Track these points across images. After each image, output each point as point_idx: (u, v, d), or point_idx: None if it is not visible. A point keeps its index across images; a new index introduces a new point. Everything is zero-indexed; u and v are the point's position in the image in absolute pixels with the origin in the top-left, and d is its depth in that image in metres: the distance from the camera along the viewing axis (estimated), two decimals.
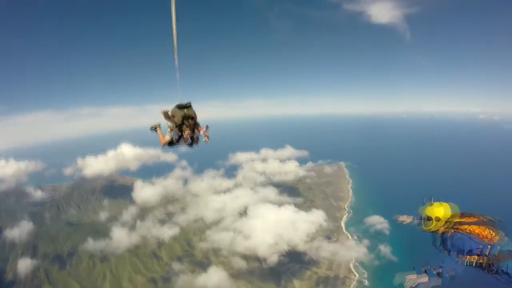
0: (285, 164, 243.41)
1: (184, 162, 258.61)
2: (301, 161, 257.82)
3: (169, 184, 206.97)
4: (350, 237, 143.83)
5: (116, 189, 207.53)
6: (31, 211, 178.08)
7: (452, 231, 8.53)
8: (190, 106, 11.34)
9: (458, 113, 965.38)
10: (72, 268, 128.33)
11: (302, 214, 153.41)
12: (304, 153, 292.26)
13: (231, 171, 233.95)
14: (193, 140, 11.63)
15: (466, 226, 8.33)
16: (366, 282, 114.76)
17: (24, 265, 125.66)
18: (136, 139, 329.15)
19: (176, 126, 11.17)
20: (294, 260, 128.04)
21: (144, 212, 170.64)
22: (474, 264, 7.77)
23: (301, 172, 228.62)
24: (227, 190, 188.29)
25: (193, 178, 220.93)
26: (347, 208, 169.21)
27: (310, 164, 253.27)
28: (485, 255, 7.72)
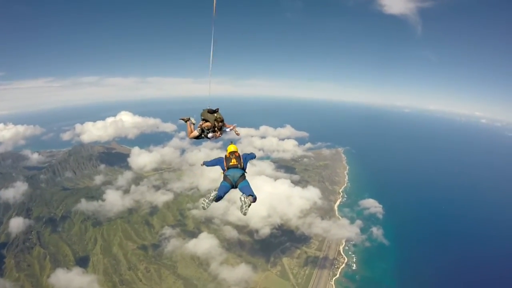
0: (283, 142, 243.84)
1: (182, 133, 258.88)
2: (300, 141, 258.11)
3: (166, 152, 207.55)
4: (343, 216, 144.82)
5: (113, 156, 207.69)
6: (26, 174, 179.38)
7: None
8: (218, 110, 13.58)
9: (460, 114, 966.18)
10: (64, 232, 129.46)
11: (298, 190, 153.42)
12: (304, 134, 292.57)
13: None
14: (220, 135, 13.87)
15: None
16: (354, 266, 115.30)
17: (16, 225, 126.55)
18: (136, 109, 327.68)
19: (211, 128, 13.44)
20: (285, 234, 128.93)
21: (139, 178, 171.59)
22: None
23: (299, 151, 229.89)
24: None
25: (190, 148, 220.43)
26: (341, 193, 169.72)
27: (309, 145, 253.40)
28: None
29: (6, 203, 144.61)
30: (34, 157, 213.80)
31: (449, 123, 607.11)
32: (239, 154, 11.95)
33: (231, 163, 11.55)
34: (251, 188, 11.00)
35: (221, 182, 11.30)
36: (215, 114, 13.38)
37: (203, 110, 13.75)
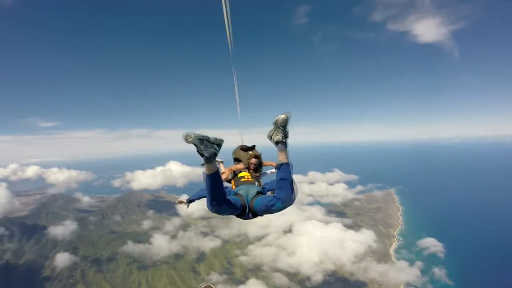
0: (333, 187, 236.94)
1: None
2: (350, 184, 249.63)
3: None
4: (400, 259, 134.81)
5: (161, 203, 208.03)
6: (77, 215, 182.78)
7: None
8: (254, 147, 10.43)
9: None
10: (109, 273, 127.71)
11: (351, 233, 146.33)
12: (353, 177, 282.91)
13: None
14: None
15: None
16: None
17: (62, 260, 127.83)
18: (185, 159, 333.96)
19: (245, 168, 9.92)
20: (339, 280, 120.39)
21: (187, 224, 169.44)
22: None
23: (350, 195, 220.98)
24: None
25: None
26: (396, 236, 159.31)
27: (359, 188, 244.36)
28: None
29: (54, 240, 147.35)
30: (85, 200, 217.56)
31: (504, 147, 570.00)
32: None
33: (242, 180, 8.60)
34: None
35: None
36: (250, 152, 10.14)
37: (236, 148, 10.67)
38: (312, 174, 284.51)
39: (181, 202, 10.03)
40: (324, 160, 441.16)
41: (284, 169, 6.49)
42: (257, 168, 9.81)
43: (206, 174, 5.96)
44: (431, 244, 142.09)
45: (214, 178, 5.99)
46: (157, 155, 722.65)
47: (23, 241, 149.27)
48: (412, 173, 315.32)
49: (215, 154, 5.74)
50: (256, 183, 8.52)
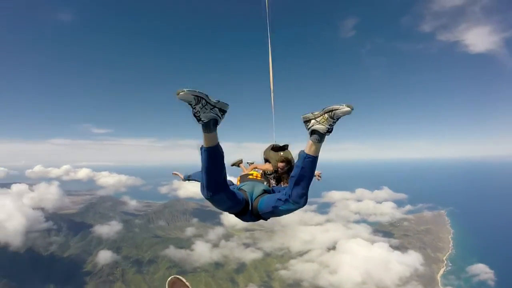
0: (381, 205, 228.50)
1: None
2: (399, 203, 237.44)
3: None
4: (448, 285, 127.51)
5: (206, 213, 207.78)
6: (123, 217, 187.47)
7: None
8: (287, 148, 8.81)
9: None
10: (148, 275, 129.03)
11: (397, 255, 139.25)
12: (402, 196, 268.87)
13: (323, 208, 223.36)
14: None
15: None
16: None
17: (104, 257, 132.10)
18: (233, 170, 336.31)
19: (272, 173, 8.48)
20: None
21: (230, 234, 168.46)
22: None
23: (398, 214, 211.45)
24: (317, 224, 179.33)
25: None
26: (445, 261, 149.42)
27: (408, 207, 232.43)
28: None
29: (99, 238, 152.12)
30: (132, 204, 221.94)
31: None
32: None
33: (250, 177, 7.11)
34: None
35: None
36: (281, 154, 8.59)
37: (267, 147, 9.22)
38: (360, 191, 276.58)
39: (176, 174, 9.58)
40: (373, 178, 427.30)
41: (309, 163, 4.71)
42: (286, 173, 8.34)
43: (203, 148, 4.35)
44: (482, 270, 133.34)
45: (212, 154, 4.40)
46: None
47: (69, 236, 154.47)
48: (465, 193, 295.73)
49: (216, 122, 4.17)
50: (265, 182, 6.92)
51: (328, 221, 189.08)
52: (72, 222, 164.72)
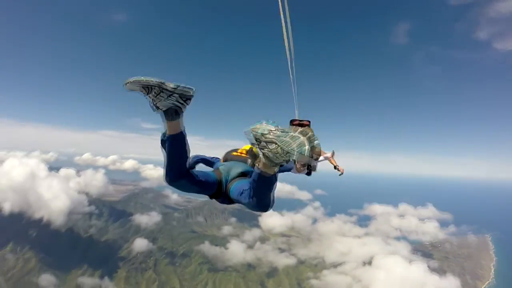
0: (423, 223, 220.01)
1: (317, 203, 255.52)
2: (443, 223, 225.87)
3: (298, 219, 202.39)
4: None
5: (245, 214, 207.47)
6: (163, 210, 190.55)
7: None
8: (309, 124, 6.38)
9: None
10: (180, 267, 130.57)
11: (434, 278, 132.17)
12: (447, 215, 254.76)
13: (364, 221, 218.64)
14: (310, 169, 6.88)
15: None
16: None
17: (139, 245, 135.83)
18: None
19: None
20: None
21: (266, 237, 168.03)
22: None
23: (441, 235, 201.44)
24: (356, 237, 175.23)
25: (323, 219, 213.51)
26: None
27: (452, 228, 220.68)
28: None
29: (137, 226, 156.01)
30: (173, 198, 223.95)
31: None
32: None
33: (234, 153, 6.38)
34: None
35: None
36: (300, 129, 4.90)
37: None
38: (403, 207, 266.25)
39: None
40: (418, 194, 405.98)
41: (266, 180, 4.17)
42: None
43: (165, 135, 4.16)
44: None
45: (174, 142, 4.19)
46: None
47: (109, 222, 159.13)
48: None
49: (178, 109, 3.85)
50: (249, 160, 6.01)
51: (367, 234, 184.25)
52: (113, 209, 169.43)
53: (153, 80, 3.41)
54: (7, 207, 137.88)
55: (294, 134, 3.48)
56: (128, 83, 3.41)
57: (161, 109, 3.67)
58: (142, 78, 3.41)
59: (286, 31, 6.36)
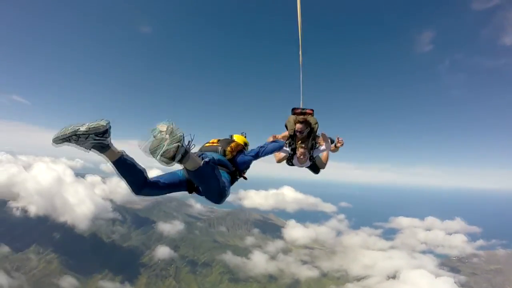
0: (451, 237, 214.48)
1: (341, 216, 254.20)
2: (471, 237, 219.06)
3: (322, 231, 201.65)
4: None
5: (268, 225, 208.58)
6: (186, 219, 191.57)
7: None
8: (312, 113, 8.03)
9: None
10: (201, 276, 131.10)
11: None
12: (475, 229, 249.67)
13: (389, 234, 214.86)
14: (313, 161, 8.07)
15: None
16: None
17: (162, 253, 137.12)
18: (299, 186, 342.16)
19: (288, 138, 7.96)
20: None
21: (289, 249, 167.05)
22: None
23: (469, 249, 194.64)
24: (381, 250, 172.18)
25: (347, 231, 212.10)
26: None
27: (480, 242, 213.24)
28: None
29: (160, 234, 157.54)
30: (197, 207, 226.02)
31: None
32: (243, 147, 6.43)
33: (207, 144, 6.36)
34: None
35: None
36: (300, 117, 7.59)
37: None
38: (430, 220, 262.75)
39: None
40: (446, 206, 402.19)
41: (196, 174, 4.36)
42: (306, 139, 7.72)
43: (110, 162, 4.44)
44: None
45: (118, 166, 4.47)
46: (272, 178, 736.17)
47: (132, 228, 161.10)
48: None
49: (101, 144, 4.10)
50: (220, 148, 6.03)
51: (392, 247, 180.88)
52: (137, 216, 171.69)
53: (67, 131, 3.77)
54: (33, 210, 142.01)
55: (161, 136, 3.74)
56: (53, 143, 3.85)
57: (88, 149, 3.98)
58: (59, 133, 3.80)
59: (299, 16, 7.17)
